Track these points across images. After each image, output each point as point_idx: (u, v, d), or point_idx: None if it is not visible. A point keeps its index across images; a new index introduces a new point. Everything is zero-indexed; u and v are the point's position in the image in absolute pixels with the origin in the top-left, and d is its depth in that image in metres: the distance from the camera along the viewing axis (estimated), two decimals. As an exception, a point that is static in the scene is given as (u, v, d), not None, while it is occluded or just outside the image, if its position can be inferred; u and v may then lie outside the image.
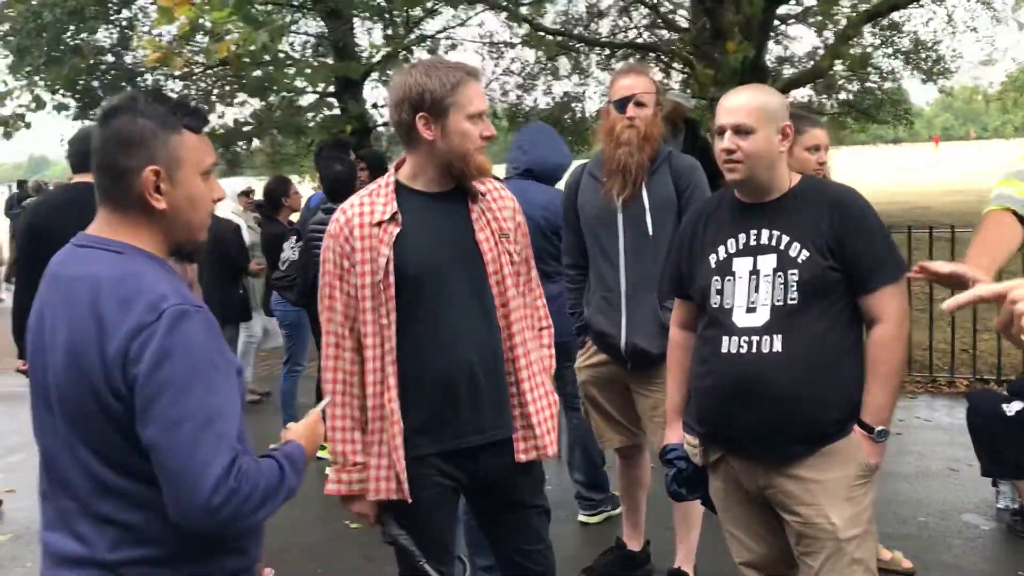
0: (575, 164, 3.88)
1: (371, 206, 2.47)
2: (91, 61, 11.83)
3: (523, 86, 17.94)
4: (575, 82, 18.38)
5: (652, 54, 16.19)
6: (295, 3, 12.86)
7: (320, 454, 5.70)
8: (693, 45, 11.85)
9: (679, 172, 3.38)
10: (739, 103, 2.49)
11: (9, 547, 4.60)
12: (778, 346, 2.41)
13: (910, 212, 16.76)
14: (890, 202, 18.40)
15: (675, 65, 15.92)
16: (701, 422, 2.60)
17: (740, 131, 2.45)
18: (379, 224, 2.43)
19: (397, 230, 2.42)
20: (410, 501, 2.44)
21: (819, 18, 10.19)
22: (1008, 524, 4.09)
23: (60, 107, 12.24)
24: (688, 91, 12.77)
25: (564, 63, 17.24)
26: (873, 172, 31.34)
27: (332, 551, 4.31)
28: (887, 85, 18.34)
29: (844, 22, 9.89)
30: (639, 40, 16.64)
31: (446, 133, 2.40)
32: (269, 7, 11.59)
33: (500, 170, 4.74)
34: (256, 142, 14.18)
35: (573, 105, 18.40)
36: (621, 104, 3.34)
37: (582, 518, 4.43)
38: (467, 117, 2.38)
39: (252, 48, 7.27)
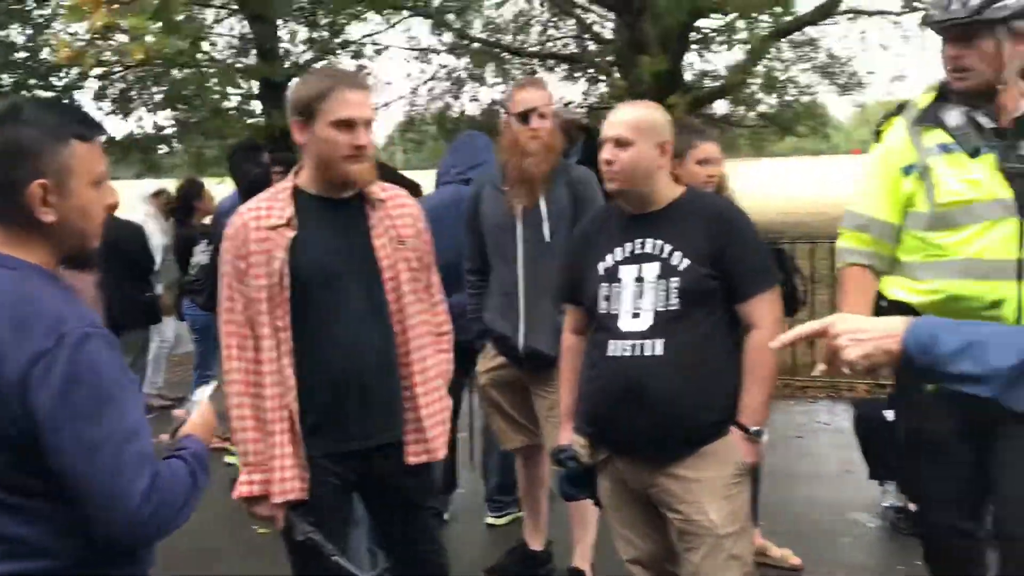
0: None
1: (268, 210, 2.52)
2: (3, 59, 11.52)
3: (451, 92, 18.00)
4: (502, 90, 18.51)
5: (578, 64, 16.41)
6: (217, 4, 12.73)
7: (228, 459, 5.71)
8: (616, 56, 12.06)
9: (575, 182, 3.50)
10: (620, 118, 2.63)
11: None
12: (660, 350, 2.51)
13: (833, 223, 17.25)
14: (813, 212, 18.93)
15: (600, 77, 16.16)
16: (589, 423, 2.70)
17: (619, 143, 2.58)
18: (274, 228, 2.48)
19: (292, 234, 2.47)
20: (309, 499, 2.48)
21: (728, 36, 10.49)
22: (892, 522, 4.29)
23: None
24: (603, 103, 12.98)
25: (491, 70, 17.35)
26: (795, 184, 32.12)
27: (242, 559, 4.30)
28: (804, 98, 18.87)
29: (751, 40, 10.18)
30: (565, 51, 16.83)
31: (314, 139, 2.45)
32: (192, 8, 11.46)
33: (429, 175, 4.80)
34: (177, 145, 13.99)
35: (501, 112, 18.49)
36: (524, 116, 3.44)
37: (489, 520, 4.51)
38: (331, 124, 2.41)
39: (167, 52, 7.20)
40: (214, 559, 4.30)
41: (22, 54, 12.75)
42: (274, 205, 2.52)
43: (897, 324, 1.63)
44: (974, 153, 2.49)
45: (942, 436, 2.57)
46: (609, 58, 13.35)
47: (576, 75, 17.02)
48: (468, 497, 4.82)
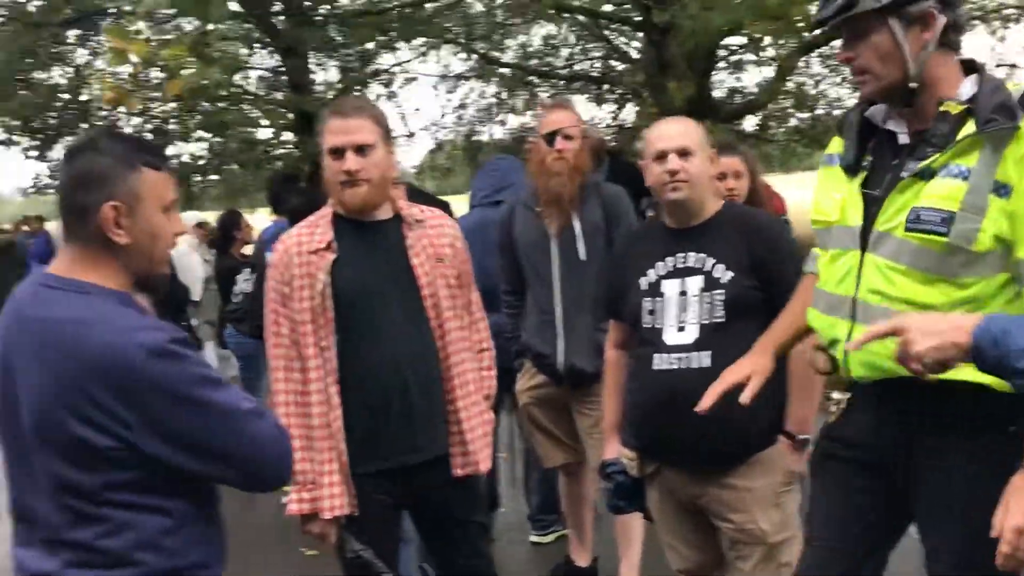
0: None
1: (309, 235, 2.62)
2: (46, 100, 11.83)
3: (479, 119, 18.14)
4: (530, 115, 18.61)
5: (606, 86, 16.47)
6: (253, 38, 12.97)
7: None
8: (645, 77, 12.11)
9: (607, 200, 3.56)
10: (676, 130, 2.68)
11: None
12: (707, 362, 2.54)
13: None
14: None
15: (627, 96, 16.22)
16: (636, 436, 2.73)
17: (683, 153, 2.61)
18: (315, 251, 2.57)
19: (332, 257, 2.56)
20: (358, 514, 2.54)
21: (755, 56, 10.49)
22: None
23: (8, 143, 12.20)
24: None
25: (520, 95, 17.46)
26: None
27: (288, 577, 4.35)
28: (836, 112, 18.76)
29: (778, 58, 10.17)
30: (593, 72, 16.91)
31: (325, 167, 2.61)
32: (224, 42, 11.70)
33: (460, 200, 4.88)
34: (212, 177, 14.22)
35: (529, 138, 18.56)
36: (550, 138, 3.52)
37: (534, 538, 4.52)
38: (327, 153, 2.57)
39: (206, 84, 7.36)
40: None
41: (64, 95, 13.06)
42: (315, 230, 2.63)
43: (969, 319, 1.65)
44: (849, 169, 2.11)
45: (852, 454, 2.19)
46: (638, 78, 13.40)
47: (606, 97, 17.07)
48: (511, 516, 4.84)
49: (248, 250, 6.45)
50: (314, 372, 2.55)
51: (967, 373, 1.78)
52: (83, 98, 13.15)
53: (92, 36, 12.13)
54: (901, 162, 2.01)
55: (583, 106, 18.65)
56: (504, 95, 17.12)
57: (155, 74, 9.52)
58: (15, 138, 12.39)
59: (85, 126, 13.18)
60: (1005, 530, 1.73)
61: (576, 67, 16.94)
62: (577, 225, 3.50)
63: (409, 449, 2.59)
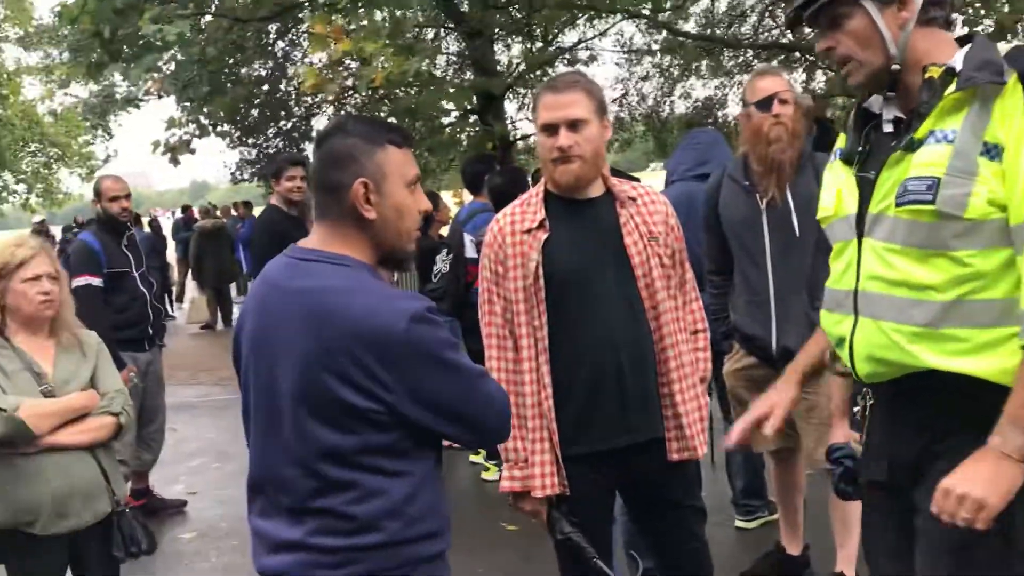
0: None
1: (522, 215, 2.62)
2: (250, 93, 12.52)
3: (661, 91, 17.82)
4: (715, 86, 18.15)
5: (796, 53, 15.77)
6: (441, 23, 13.25)
7: (473, 459, 5.91)
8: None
9: (823, 170, 3.35)
10: None
11: (195, 543, 4.94)
12: None
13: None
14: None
15: (819, 64, 15.47)
16: None
17: None
18: (528, 231, 2.57)
19: (545, 236, 2.55)
20: (568, 494, 2.54)
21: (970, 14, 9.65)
22: None
23: (223, 134, 13.07)
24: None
25: (705, 65, 17.03)
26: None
27: (492, 552, 4.43)
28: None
29: (998, 16, 9.35)
30: (782, 40, 16.23)
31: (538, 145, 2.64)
32: (415, 29, 12.00)
33: (645, 176, 4.79)
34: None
35: (715, 110, 18.14)
36: (765, 103, 3.36)
37: (739, 523, 4.40)
38: (540, 130, 2.56)
39: (405, 72, 7.53)
40: (465, 553, 4.44)
41: (265, 87, 13.79)
42: (527, 210, 2.62)
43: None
44: (847, 159, 2.03)
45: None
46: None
47: (794, 65, 16.36)
48: (712, 500, 4.69)
49: (446, 231, 6.58)
50: (526, 351, 2.56)
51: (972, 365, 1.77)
52: (281, 87, 13.85)
53: (292, 28, 12.74)
54: (898, 143, 1.89)
55: (770, 76, 17.94)
56: (686, 66, 16.74)
57: (351, 63, 9.88)
58: (222, 128, 13.20)
59: (284, 116, 13.92)
60: (940, 489, 1.75)
61: (763, 36, 16.32)
62: (790, 198, 3.34)
63: (622, 432, 2.56)
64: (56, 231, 19.32)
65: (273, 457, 1.80)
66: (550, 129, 2.52)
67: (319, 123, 14.50)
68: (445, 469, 6.04)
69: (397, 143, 1.82)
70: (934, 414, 1.89)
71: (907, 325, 1.85)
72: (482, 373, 1.85)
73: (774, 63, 16.16)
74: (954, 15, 1.94)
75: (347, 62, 9.56)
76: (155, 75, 9.70)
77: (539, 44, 14.04)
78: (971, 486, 1.71)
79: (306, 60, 11.71)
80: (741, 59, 16.77)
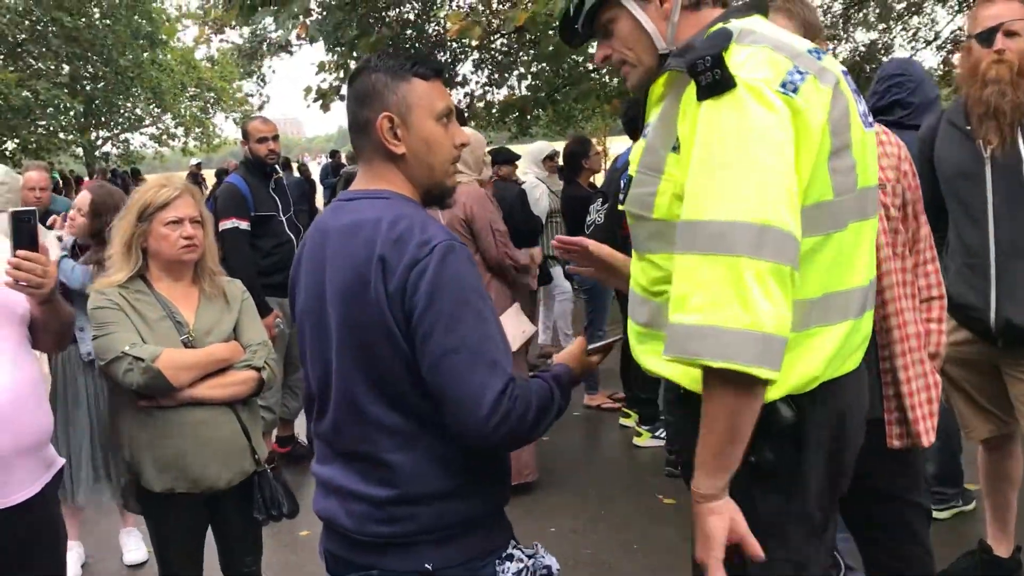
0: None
1: None
2: (397, 34, 12.39)
3: (828, 35, 16.76)
4: (881, 29, 16.95)
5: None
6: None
7: (624, 422, 5.61)
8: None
9: None
10: None
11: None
12: None
13: None
14: None
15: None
16: None
17: None
18: None
19: None
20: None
21: None
22: None
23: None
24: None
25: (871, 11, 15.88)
26: None
27: (649, 527, 4.12)
28: None
29: None
30: (962, -24, 14.92)
31: None
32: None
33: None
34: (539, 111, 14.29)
35: (879, 55, 16.97)
36: (987, 36, 2.84)
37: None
38: None
39: (549, 14, 7.17)
40: (616, 528, 4.16)
41: (411, 32, 13.65)
42: None
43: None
44: None
45: None
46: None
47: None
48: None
49: (600, 180, 6.23)
50: None
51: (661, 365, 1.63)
52: (429, 30, 13.67)
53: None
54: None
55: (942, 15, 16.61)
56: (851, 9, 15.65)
57: (495, 6, 9.56)
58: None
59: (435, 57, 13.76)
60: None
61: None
62: (1022, 147, 2.83)
63: None
64: (210, 175, 19.94)
65: (324, 401, 1.77)
66: None
67: (464, 68, 14.29)
68: (589, 433, 5.85)
69: (423, 75, 1.75)
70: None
71: (634, 323, 1.80)
72: (491, 360, 1.60)
73: (950, 2, 14.95)
74: None
75: (492, 4, 9.25)
76: (301, 19, 9.64)
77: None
78: (698, 548, 1.58)
79: (453, 3, 11.47)
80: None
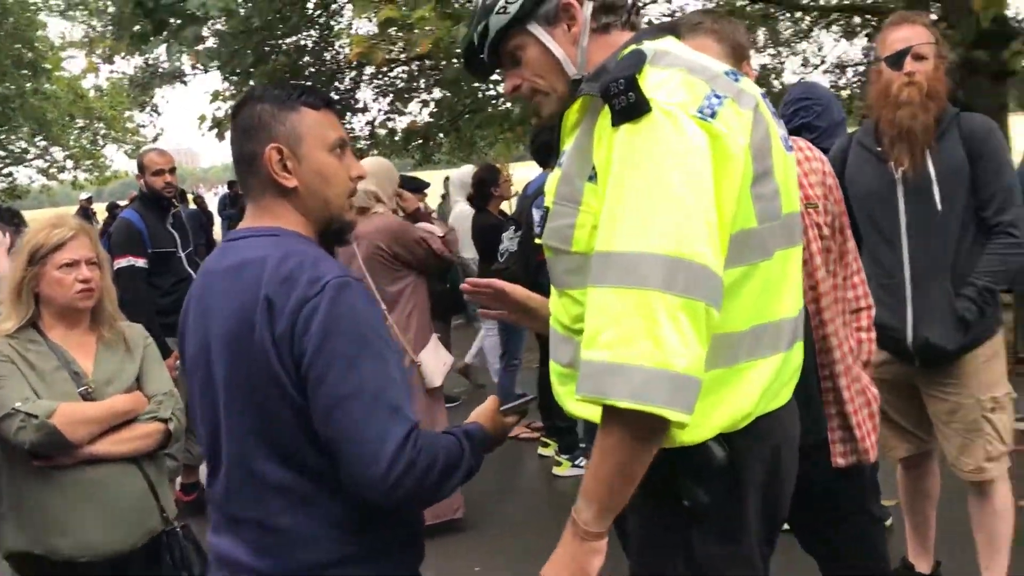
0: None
1: None
2: (295, 61, 12.20)
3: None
4: (770, 54, 17.51)
5: (866, 16, 15.06)
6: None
7: (543, 452, 5.53)
8: (909, 4, 10.84)
9: (972, 135, 2.90)
10: None
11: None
12: None
13: None
14: None
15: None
16: None
17: None
18: None
19: None
20: None
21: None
22: None
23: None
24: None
25: (761, 33, 16.39)
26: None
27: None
28: None
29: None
30: (845, 2, 15.52)
31: None
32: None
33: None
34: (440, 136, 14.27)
35: (771, 79, 17.52)
36: (896, 59, 2.90)
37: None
38: None
39: (453, 40, 7.14)
40: (535, 559, 4.06)
41: (308, 59, 13.45)
42: None
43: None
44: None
45: None
46: (903, 6, 12.08)
47: (858, 30, 15.67)
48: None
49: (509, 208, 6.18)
50: None
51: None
52: (327, 57, 13.50)
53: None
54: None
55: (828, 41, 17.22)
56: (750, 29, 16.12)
57: (395, 32, 9.49)
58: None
59: (328, 88, 13.57)
60: None
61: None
62: (931, 168, 2.88)
63: None
64: (101, 210, 19.22)
65: (214, 463, 1.65)
66: None
67: (364, 95, 14.15)
68: (509, 463, 5.75)
69: (313, 104, 1.66)
70: None
71: (556, 363, 1.72)
72: (391, 406, 1.49)
73: (833, 28, 15.50)
74: (640, 15, 1.70)
75: (392, 31, 9.17)
76: (192, 49, 9.40)
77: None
78: (553, 571, 1.54)
79: (351, 30, 11.35)
80: (799, 27, 16.12)
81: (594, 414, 1.52)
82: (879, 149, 2.98)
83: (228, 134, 1.67)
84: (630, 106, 1.44)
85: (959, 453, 2.98)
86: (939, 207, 2.88)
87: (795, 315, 1.68)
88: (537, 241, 1.73)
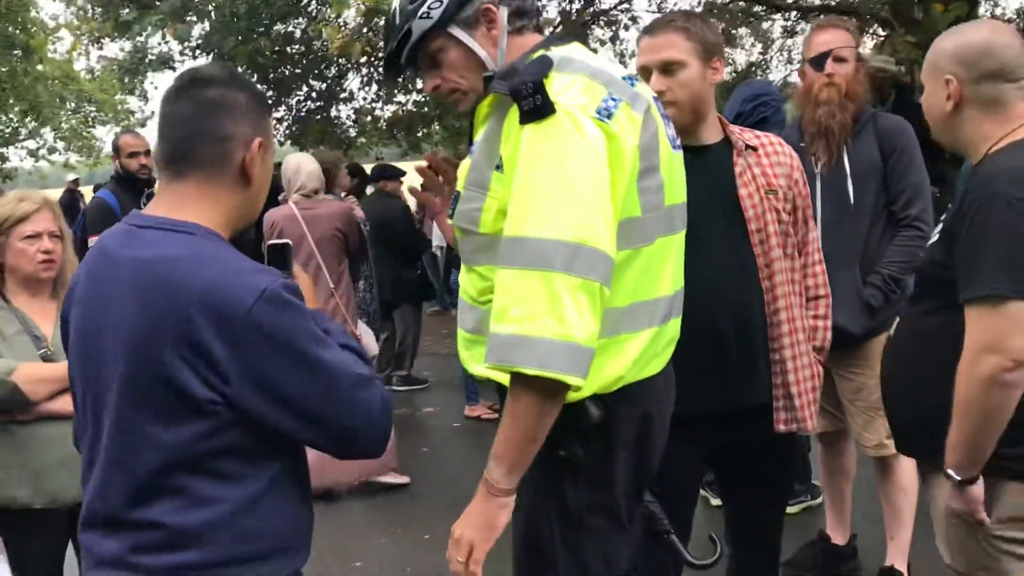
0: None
1: None
2: (280, 48, 12.29)
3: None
4: (758, 51, 17.70)
5: (846, 17, 15.22)
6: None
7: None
8: (891, 5, 11.01)
9: (885, 134, 3.11)
10: None
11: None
12: None
13: None
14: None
15: (874, 29, 14.95)
16: None
17: None
18: None
19: None
20: None
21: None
22: None
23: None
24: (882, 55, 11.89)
25: (744, 31, 16.58)
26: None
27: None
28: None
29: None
30: (831, 2, 15.68)
31: None
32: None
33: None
34: (436, 125, 14.40)
35: (756, 73, 17.71)
36: (818, 61, 3.12)
37: (780, 508, 4.19)
38: (638, 73, 2.36)
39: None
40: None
41: (296, 47, 13.54)
42: None
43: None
44: None
45: None
46: (884, 8, 12.26)
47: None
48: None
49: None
50: None
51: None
52: (315, 47, 13.60)
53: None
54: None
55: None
56: (727, 33, 16.28)
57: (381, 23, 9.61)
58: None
59: (316, 76, 13.68)
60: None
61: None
62: (847, 164, 3.09)
63: (720, 395, 2.36)
64: (88, 192, 19.26)
65: (91, 453, 1.59)
66: (645, 73, 2.35)
67: (352, 84, 14.26)
68: (469, 443, 5.91)
69: (271, 111, 1.71)
70: None
71: (462, 330, 1.90)
72: (357, 377, 1.52)
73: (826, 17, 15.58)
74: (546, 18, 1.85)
75: (376, 21, 9.31)
76: (170, 24, 9.49)
77: (577, 5, 13.67)
78: (463, 527, 1.70)
79: (338, 21, 11.46)
80: (786, 23, 16.28)
81: (496, 376, 1.72)
82: (802, 144, 3.18)
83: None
84: (537, 108, 1.63)
85: (862, 429, 3.18)
86: (852, 200, 3.08)
87: (671, 294, 1.89)
88: (448, 222, 1.92)
